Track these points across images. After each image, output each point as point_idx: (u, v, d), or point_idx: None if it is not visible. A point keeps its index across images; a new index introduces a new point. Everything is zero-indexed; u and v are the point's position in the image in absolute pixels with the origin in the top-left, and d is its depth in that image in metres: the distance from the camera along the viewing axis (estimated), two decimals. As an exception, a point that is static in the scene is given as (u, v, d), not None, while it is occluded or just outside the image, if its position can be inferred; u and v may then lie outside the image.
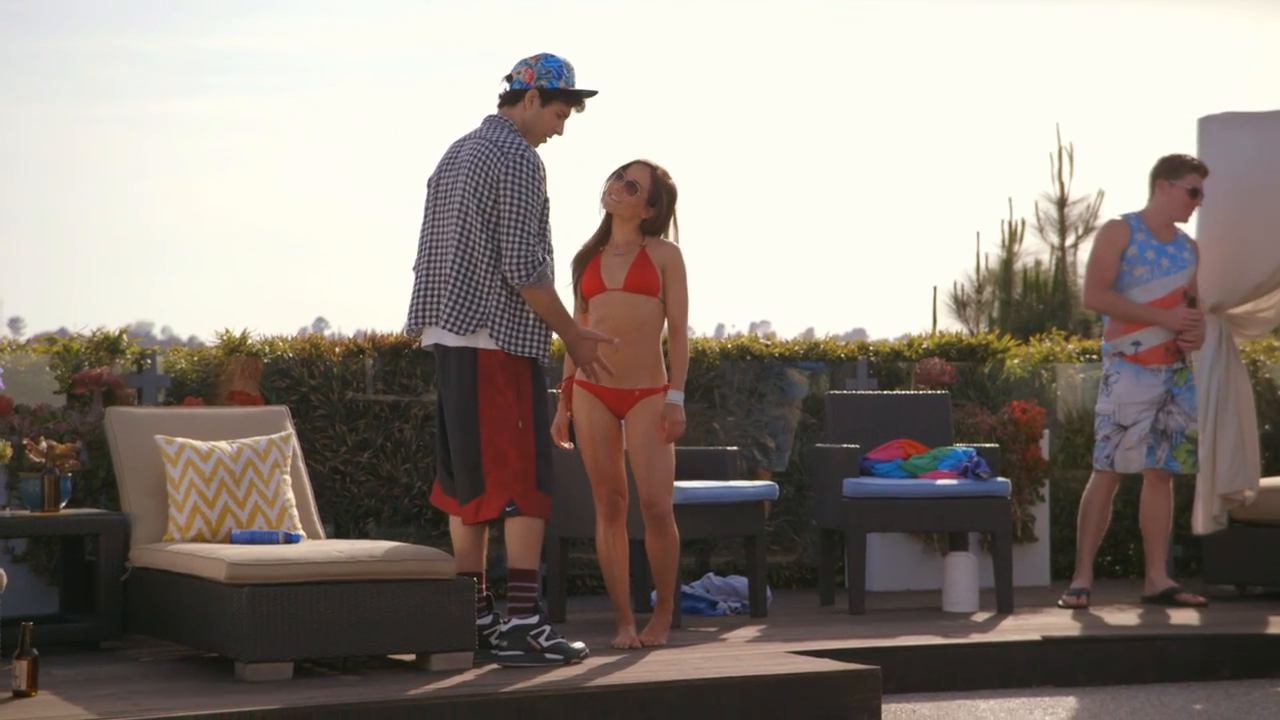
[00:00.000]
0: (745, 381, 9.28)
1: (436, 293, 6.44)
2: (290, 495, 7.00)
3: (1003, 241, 14.57)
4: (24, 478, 6.99)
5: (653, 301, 6.85)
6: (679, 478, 7.78)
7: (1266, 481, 8.83)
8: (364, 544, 6.50)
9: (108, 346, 8.18)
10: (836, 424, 8.51)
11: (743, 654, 6.75)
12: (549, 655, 6.39)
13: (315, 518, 7.17)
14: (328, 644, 6.14)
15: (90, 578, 7.02)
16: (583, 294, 6.91)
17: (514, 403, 6.37)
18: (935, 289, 14.65)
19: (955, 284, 14.64)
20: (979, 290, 14.58)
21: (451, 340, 6.41)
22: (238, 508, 6.84)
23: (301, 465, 7.24)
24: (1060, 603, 8.37)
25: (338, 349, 8.58)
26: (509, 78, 6.55)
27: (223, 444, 6.96)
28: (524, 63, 6.53)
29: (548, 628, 6.44)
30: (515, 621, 6.41)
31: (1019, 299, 14.31)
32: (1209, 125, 8.65)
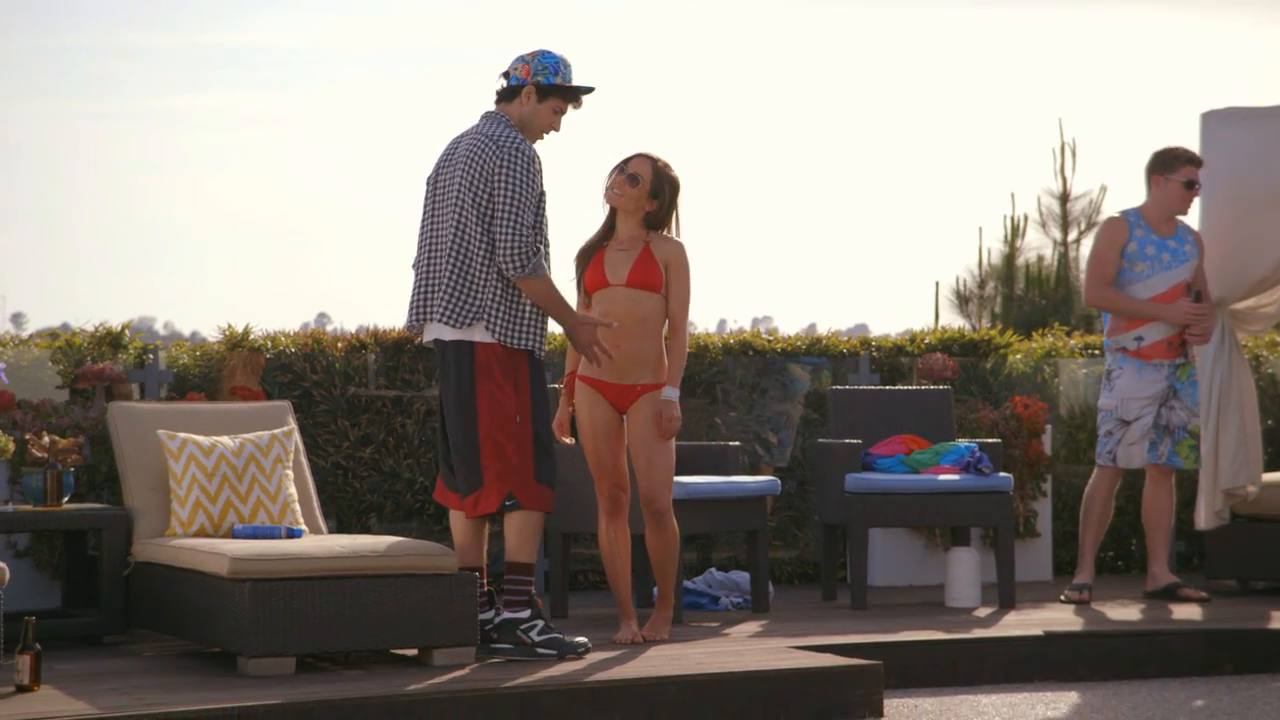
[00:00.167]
0: (747, 377, 9.28)
1: (435, 288, 6.45)
2: (292, 490, 7.00)
3: (1005, 237, 14.58)
4: (27, 473, 6.99)
5: (655, 297, 6.86)
6: (681, 473, 7.78)
7: (1269, 477, 8.83)
8: (366, 539, 6.50)
9: (110, 342, 8.18)
10: (839, 419, 8.51)
11: (745, 649, 6.76)
12: (540, 650, 6.39)
13: (317, 513, 7.18)
14: (330, 639, 6.15)
15: (93, 573, 7.03)
16: (586, 289, 6.91)
17: (512, 396, 6.37)
18: (938, 284, 14.66)
19: (958, 279, 14.65)
20: (981, 285, 14.59)
21: (449, 334, 6.41)
22: (240, 503, 6.84)
23: (304, 460, 7.25)
24: (1062, 598, 8.37)
25: (340, 344, 8.59)
26: (506, 74, 6.56)
27: (225, 439, 6.96)
28: (521, 59, 6.54)
29: (540, 622, 6.44)
30: (506, 615, 6.42)
31: (1021, 294, 14.31)
32: (1211, 120, 8.65)
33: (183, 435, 6.92)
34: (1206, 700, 6.70)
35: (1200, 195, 8.49)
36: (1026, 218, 14.55)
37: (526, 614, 6.42)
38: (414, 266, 6.57)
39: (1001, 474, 8.20)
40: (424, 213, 6.58)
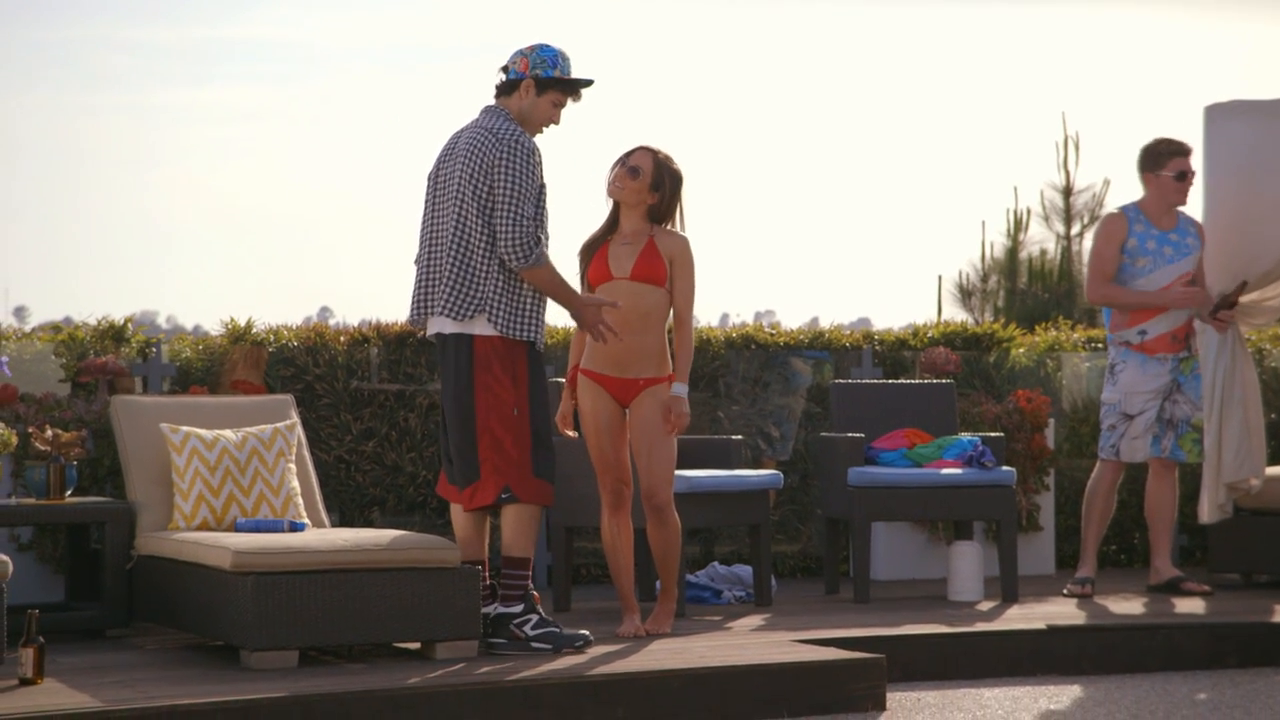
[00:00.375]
0: (750, 370, 9.28)
1: (436, 282, 6.45)
2: (295, 484, 7.00)
3: (1008, 230, 14.57)
4: (29, 466, 7.00)
5: (659, 291, 6.85)
6: (683, 467, 7.78)
7: (1272, 470, 8.82)
8: (369, 533, 6.51)
9: (113, 335, 8.18)
10: (841, 413, 8.50)
11: (747, 643, 6.76)
12: (535, 644, 6.39)
13: (320, 506, 7.18)
14: (333, 632, 6.15)
15: (96, 566, 7.03)
16: (589, 283, 6.91)
17: (510, 390, 6.37)
18: (940, 278, 14.66)
19: (960, 273, 14.64)
20: (984, 279, 14.58)
21: (449, 327, 6.42)
22: (243, 496, 6.84)
23: (306, 454, 7.25)
24: (1065, 592, 8.36)
25: (342, 338, 8.58)
26: (505, 68, 6.56)
27: (228, 432, 6.96)
28: (519, 53, 6.54)
29: (534, 616, 6.43)
30: (499, 609, 6.42)
31: (1024, 288, 14.30)
32: (1215, 114, 8.63)
33: (185, 429, 6.92)
34: (1210, 694, 6.70)
35: (1204, 188, 8.48)
36: (1029, 211, 14.54)
37: (519, 609, 6.42)
38: (416, 262, 6.57)
39: (1004, 468, 8.19)
40: (425, 208, 6.58)
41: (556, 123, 6.58)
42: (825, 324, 9.72)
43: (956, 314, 14.35)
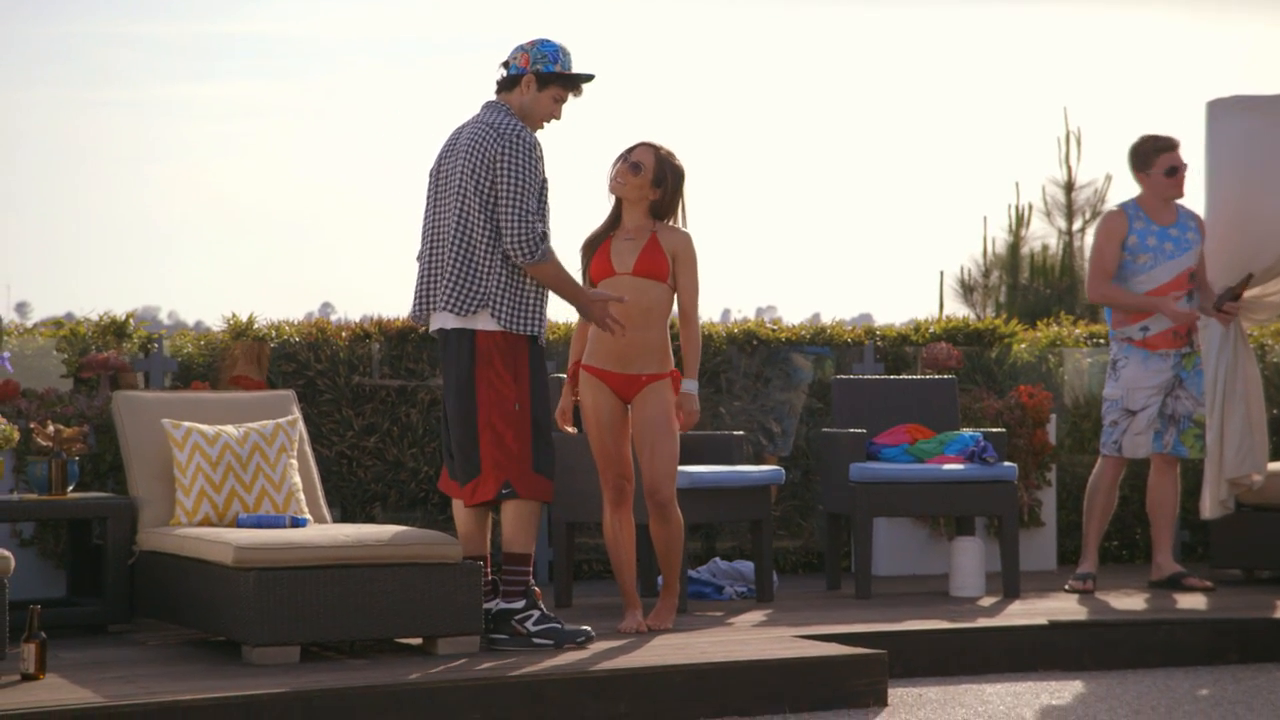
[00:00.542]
0: (751, 366, 9.27)
1: (439, 277, 6.45)
2: (297, 479, 7.01)
3: (1010, 226, 14.58)
4: (31, 461, 7.00)
5: (661, 287, 6.85)
6: (685, 462, 7.78)
7: (1274, 466, 8.82)
8: (370, 528, 6.51)
9: (114, 331, 8.19)
10: (843, 409, 8.51)
11: (749, 638, 6.76)
12: (536, 640, 6.40)
13: (322, 502, 7.18)
14: (334, 628, 6.15)
15: (98, 561, 7.03)
16: (591, 279, 6.91)
17: (511, 385, 6.37)
18: (942, 273, 14.67)
19: (962, 268, 14.65)
20: (986, 275, 14.59)
21: (452, 322, 6.42)
22: (244, 492, 6.84)
23: (308, 449, 7.25)
24: (1066, 587, 8.36)
25: (344, 334, 8.59)
26: (506, 63, 6.56)
27: (229, 428, 6.97)
28: (520, 48, 6.54)
29: (535, 612, 6.43)
30: (501, 605, 6.42)
31: (1026, 283, 14.31)
32: (1217, 109, 8.62)
33: (187, 424, 6.92)
34: (1211, 689, 6.70)
35: (1206, 183, 8.48)
36: (1031, 207, 14.56)
37: (521, 604, 6.42)
38: (418, 258, 6.57)
39: (1006, 463, 8.19)
40: (427, 204, 6.58)
41: (558, 118, 6.58)
42: (827, 319, 9.73)
43: (958, 309, 14.38)
